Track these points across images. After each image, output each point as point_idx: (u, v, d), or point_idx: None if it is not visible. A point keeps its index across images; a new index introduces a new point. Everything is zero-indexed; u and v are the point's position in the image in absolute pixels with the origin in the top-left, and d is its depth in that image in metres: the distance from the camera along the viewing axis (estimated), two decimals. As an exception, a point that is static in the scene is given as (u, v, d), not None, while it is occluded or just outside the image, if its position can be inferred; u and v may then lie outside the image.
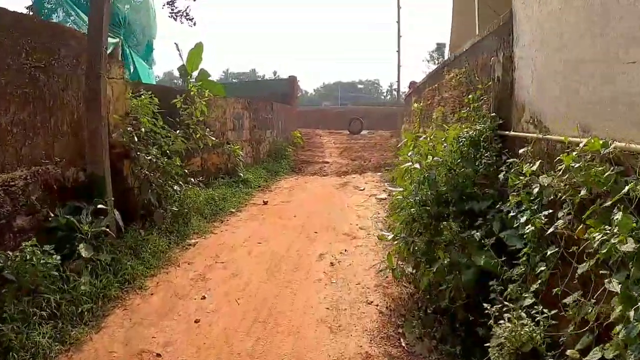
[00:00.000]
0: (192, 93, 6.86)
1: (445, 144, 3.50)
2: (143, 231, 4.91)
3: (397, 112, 21.86)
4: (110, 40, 9.68)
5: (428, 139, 3.83)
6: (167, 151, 5.94)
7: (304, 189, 8.85)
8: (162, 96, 6.35)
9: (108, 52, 5.81)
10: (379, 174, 10.79)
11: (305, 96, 72.42)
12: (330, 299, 3.68)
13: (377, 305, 3.54)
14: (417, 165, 3.46)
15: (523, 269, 2.38)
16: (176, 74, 17.19)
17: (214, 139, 7.02)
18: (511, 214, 2.58)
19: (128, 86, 5.46)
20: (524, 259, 2.38)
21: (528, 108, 2.97)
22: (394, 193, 4.39)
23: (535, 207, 2.36)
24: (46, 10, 7.52)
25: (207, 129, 8.01)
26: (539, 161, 2.45)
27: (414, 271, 3.52)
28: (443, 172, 3.37)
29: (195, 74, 12.62)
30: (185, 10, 8.16)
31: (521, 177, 2.49)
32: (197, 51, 12.19)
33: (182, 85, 12.48)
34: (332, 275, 4.20)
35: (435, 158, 3.42)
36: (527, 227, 2.30)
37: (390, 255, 3.68)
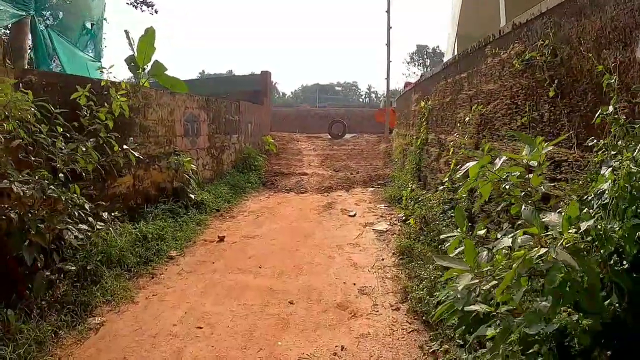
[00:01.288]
0: (102, 84, 4.76)
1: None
2: (12, 312, 2.98)
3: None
4: (8, 9, 7.44)
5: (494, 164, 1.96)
6: (66, 172, 3.95)
7: (275, 215, 6.88)
8: (67, 90, 4.33)
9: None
10: (370, 189, 8.94)
11: (283, 98, 71.56)
12: None
13: None
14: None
15: None
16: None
17: (137, 154, 4.93)
18: None
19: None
20: None
21: None
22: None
23: None
24: None
25: (143, 136, 5.97)
26: None
27: None
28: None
29: (149, 66, 10.56)
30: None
31: None
32: (147, 39, 10.03)
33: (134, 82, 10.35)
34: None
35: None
36: None
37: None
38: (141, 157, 5.58)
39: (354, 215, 6.69)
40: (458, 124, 4.85)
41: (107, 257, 4.24)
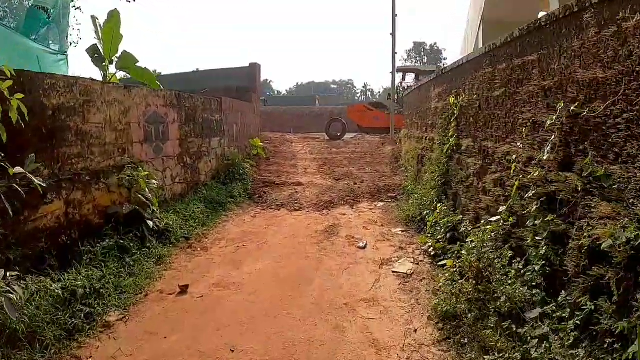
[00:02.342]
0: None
1: None
2: None
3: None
4: None
5: None
6: None
7: (261, 246, 5.42)
8: None
9: None
10: (380, 204, 7.50)
11: (278, 97, 70.66)
12: None
13: None
14: None
15: None
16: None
17: (40, 182, 3.38)
18: None
19: None
20: None
21: None
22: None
23: None
24: None
25: (82, 145, 4.48)
26: None
27: None
28: None
29: (117, 57, 9.15)
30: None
31: None
32: (112, 25, 8.55)
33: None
34: None
35: None
36: None
37: None
38: (68, 176, 4.10)
39: (365, 247, 5.23)
40: (522, 129, 3.40)
41: (9, 335, 2.82)
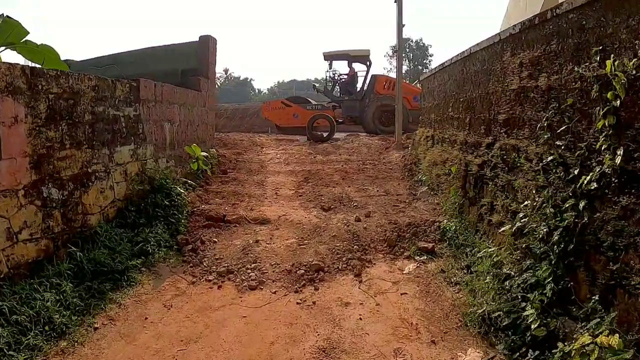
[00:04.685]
0: None
1: None
2: None
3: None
4: None
5: None
6: None
7: None
8: None
9: None
10: (410, 267, 4.42)
11: (259, 95, 68.72)
12: None
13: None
14: None
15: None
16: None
17: None
18: None
19: None
20: None
21: None
22: None
23: None
24: None
25: None
26: None
27: None
28: None
29: None
30: None
31: None
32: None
33: None
34: None
35: None
36: None
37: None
38: None
39: None
40: None
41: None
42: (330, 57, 17.33)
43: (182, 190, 6.40)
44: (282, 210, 6.22)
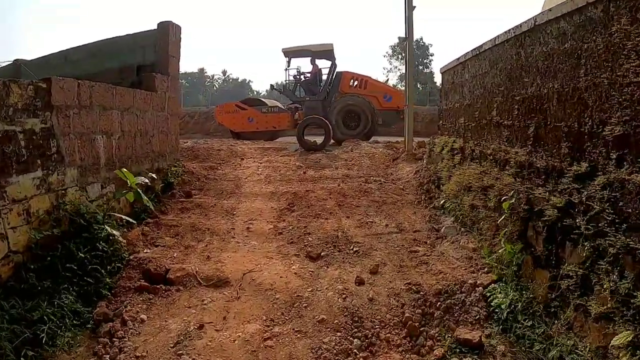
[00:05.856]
0: None
1: None
2: None
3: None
4: None
5: None
6: None
7: None
8: None
9: None
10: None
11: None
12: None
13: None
14: None
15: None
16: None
17: None
18: None
19: None
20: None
21: None
22: None
23: None
24: None
25: None
26: None
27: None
28: None
29: None
30: None
31: None
32: None
33: None
34: None
35: None
36: None
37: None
38: None
39: None
40: None
41: None
42: (290, 53, 15.66)
43: (114, 232, 4.59)
44: (251, 260, 4.42)
